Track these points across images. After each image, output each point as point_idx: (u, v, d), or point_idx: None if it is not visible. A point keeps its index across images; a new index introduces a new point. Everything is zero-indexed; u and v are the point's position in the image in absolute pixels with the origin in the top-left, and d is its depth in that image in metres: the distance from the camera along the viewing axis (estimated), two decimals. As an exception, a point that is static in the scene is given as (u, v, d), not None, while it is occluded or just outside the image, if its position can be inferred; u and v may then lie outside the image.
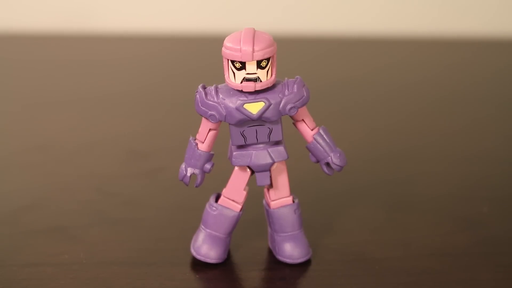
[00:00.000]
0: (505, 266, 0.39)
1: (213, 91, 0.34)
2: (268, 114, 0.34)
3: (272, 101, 0.34)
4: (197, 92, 0.35)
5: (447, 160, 0.52)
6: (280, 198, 0.38)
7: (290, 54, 0.75)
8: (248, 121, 0.35)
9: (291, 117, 0.36)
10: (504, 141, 0.56)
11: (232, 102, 0.34)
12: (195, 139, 0.36)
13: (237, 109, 0.34)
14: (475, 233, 0.42)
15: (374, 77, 0.72)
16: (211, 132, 0.36)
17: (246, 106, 0.34)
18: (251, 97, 0.34)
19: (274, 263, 0.39)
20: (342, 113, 0.62)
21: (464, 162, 0.52)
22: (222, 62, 0.34)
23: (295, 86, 0.35)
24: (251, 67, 0.33)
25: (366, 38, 0.84)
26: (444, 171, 0.51)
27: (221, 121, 0.35)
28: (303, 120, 0.36)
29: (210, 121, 0.35)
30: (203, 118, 0.36)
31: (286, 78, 0.35)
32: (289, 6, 0.85)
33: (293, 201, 0.38)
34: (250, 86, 0.33)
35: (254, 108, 0.34)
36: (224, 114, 0.34)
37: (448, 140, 0.56)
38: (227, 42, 0.33)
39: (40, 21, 0.85)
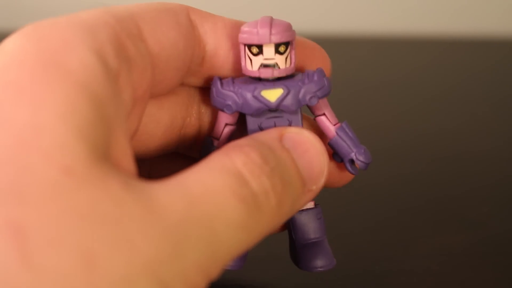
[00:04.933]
0: (505, 266, 0.39)
1: (229, 82, 0.33)
2: (287, 102, 0.32)
3: (291, 89, 0.32)
4: (212, 83, 0.33)
5: (447, 160, 0.53)
6: None
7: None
8: (266, 111, 0.33)
9: (311, 111, 0.34)
10: (504, 140, 0.56)
11: (248, 90, 0.32)
12: (210, 136, 0.35)
13: (254, 97, 0.32)
14: (475, 233, 0.42)
15: (373, 77, 0.72)
16: (227, 128, 0.34)
17: (263, 93, 0.32)
18: (269, 84, 0.32)
19: (292, 271, 0.37)
20: (339, 112, 0.62)
21: (464, 162, 0.52)
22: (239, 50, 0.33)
23: (316, 75, 0.33)
24: (268, 51, 0.32)
25: (365, 38, 0.84)
26: (444, 170, 0.51)
27: (238, 112, 0.33)
28: (324, 114, 0.34)
29: (226, 112, 0.33)
30: (219, 112, 0.34)
31: (306, 69, 0.33)
32: (296, 5, 0.85)
33: (315, 206, 0.35)
34: (268, 72, 0.32)
35: (272, 95, 0.32)
36: (241, 103, 0.32)
37: (448, 140, 0.56)
38: (244, 27, 0.32)
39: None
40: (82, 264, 0.20)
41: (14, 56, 0.23)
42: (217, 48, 0.33)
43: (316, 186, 0.31)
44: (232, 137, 0.34)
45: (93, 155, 0.22)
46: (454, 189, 0.48)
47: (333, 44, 0.83)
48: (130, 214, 0.22)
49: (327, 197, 0.46)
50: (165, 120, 0.33)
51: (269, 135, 0.31)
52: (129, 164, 0.25)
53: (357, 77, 0.72)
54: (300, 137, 0.31)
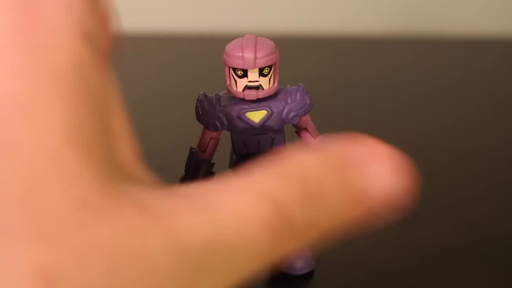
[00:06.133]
0: (505, 266, 0.39)
1: (214, 100, 0.34)
2: (270, 123, 0.34)
3: (275, 110, 0.33)
4: (197, 100, 0.34)
5: (446, 160, 0.53)
6: None
7: (291, 55, 0.75)
8: (250, 129, 0.34)
9: (294, 125, 0.35)
10: (504, 140, 0.56)
11: (233, 111, 0.33)
12: (195, 148, 0.35)
13: (239, 117, 0.33)
14: (475, 233, 0.42)
15: (373, 78, 0.72)
16: (212, 141, 0.35)
17: (248, 114, 0.33)
18: (253, 105, 0.33)
19: (281, 276, 0.38)
20: (339, 112, 0.62)
21: (464, 162, 0.52)
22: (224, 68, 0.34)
23: (298, 94, 0.34)
24: (253, 74, 0.33)
25: (365, 38, 0.84)
26: (443, 170, 0.51)
27: (223, 129, 0.34)
28: (306, 128, 0.36)
29: (212, 130, 0.34)
30: (204, 126, 0.35)
31: (288, 86, 0.34)
32: (291, 5, 0.85)
33: None
34: (252, 94, 0.33)
35: (257, 116, 0.34)
36: (226, 123, 0.34)
37: (448, 140, 0.56)
38: (228, 49, 0.33)
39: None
40: None
41: (3, 56, 0.21)
42: None
43: (381, 209, 0.27)
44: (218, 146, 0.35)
45: (105, 179, 0.21)
46: (454, 189, 0.48)
47: (333, 44, 0.83)
48: (152, 245, 0.20)
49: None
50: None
51: (330, 149, 0.26)
52: (138, 165, 0.23)
53: (357, 77, 0.72)
54: (368, 150, 0.27)
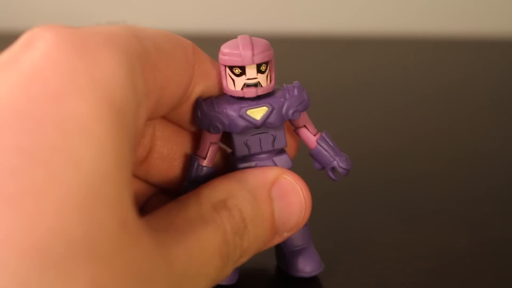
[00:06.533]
0: (505, 266, 0.39)
1: (212, 102, 0.34)
2: (271, 119, 0.34)
3: (275, 106, 0.34)
4: (196, 105, 0.34)
5: (446, 160, 0.53)
6: None
7: (287, 55, 0.75)
8: (251, 129, 0.34)
9: (292, 124, 0.35)
10: (504, 141, 0.56)
11: (234, 110, 0.33)
12: (196, 155, 0.35)
13: (240, 116, 0.33)
14: (475, 233, 0.42)
15: (373, 78, 0.72)
16: (212, 147, 0.35)
17: (249, 112, 0.33)
18: (253, 103, 0.33)
19: (284, 279, 0.38)
20: (340, 112, 0.62)
21: (464, 162, 0.52)
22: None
23: (296, 90, 0.34)
24: (251, 71, 0.33)
25: (365, 39, 0.84)
26: (443, 170, 0.51)
27: (223, 132, 0.34)
28: (304, 126, 0.36)
29: (212, 133, 0.34)
30: (203, 132, 0.35)
31: (284, 84, 0.34)
32: (288, 5, 0.85)
33: None
34: (251, 91, 0.33)
35: (258, 113, 0.33)
36: (227, 123, 0.33)
37: (448, 140, 0.56)
38: (224, 49, 0.33)
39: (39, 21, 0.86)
40: None
41: (69, 80, 0.23)
42: (206, 92, 0.34)
43: (288, 234, 0.34)
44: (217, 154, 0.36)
45: (135, 207, 0.24)
46: (454, 189, 0.48)
47: (333, 44, 0.83)
48: (159, 271, 0.24)
49: (324, 198, 0.46)
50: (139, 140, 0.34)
51: (262, 180, 0.33)
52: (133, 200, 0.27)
53: (357, 77, 0.72)
54: (291, 187, 0.34)
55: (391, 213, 0.45)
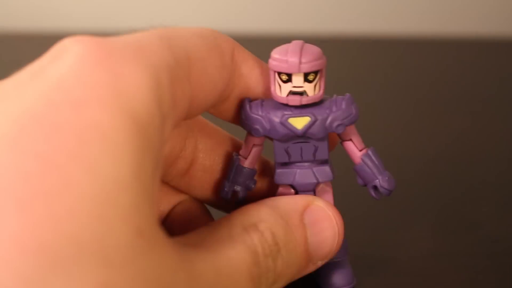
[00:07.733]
0: (505, 266, 0.39)
1: (258, 105, 0.33)
2: (313, 130, 0.33)
3: (319, 117, 0.33)
4: (242, 106, 0.34)
5: (446, 160, 0.53)
6: None
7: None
8: (293, 137, 0.33)
9: (339, 136, 0.35)
10: (504, 140, 0.56)
11: (276, 116, 0.33)
12: (238, 155, 0.35)
13: (281, 123, 0.33)
14: (475, 233, 0.42)
15: (373, 78, 0.72)
16: (255, 148, 0.34)
17: (290, 120, 0.33)
18: (296, 111, 0.33)
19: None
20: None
21: (463, 162, 0.52)
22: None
23: (344, 102, 0.33)
24: (297, 79, 0.32)
25: (365, 39, 0.84)
26: (443, 170, 0.51)
27: (265, 136, 0.33)
28: (351, 139, 0.35)
29: (254, 136, 0.34)
30: (247, 133, 0.34)
31: (335, 95, 0.34)
32: (292, 6, 0.85)
33: None
34: (296, 100, 0.32)
35: (299, 123, 0.33)
36: (268, 128, 0.33)
37: (448, 140, 0.56)
38: (274, 54, 0.32)
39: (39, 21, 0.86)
40: None
41: (91, 90, 0.24)
42: (246, 93, 0.33)
43: (322, 262, 0.33)
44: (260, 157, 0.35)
45: (155, 216, 0.24)
46: (454, 189, 0.48)
47: (333, 45, 0.83)
48: (180, 282, 0.24)
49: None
50: (165, 151, 0.34)
51: (293, 206, 0.32)
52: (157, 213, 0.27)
53: (357, 77, 0.72)
54: (323, 214, 0.33)
55: (390, 213, 0.44)
